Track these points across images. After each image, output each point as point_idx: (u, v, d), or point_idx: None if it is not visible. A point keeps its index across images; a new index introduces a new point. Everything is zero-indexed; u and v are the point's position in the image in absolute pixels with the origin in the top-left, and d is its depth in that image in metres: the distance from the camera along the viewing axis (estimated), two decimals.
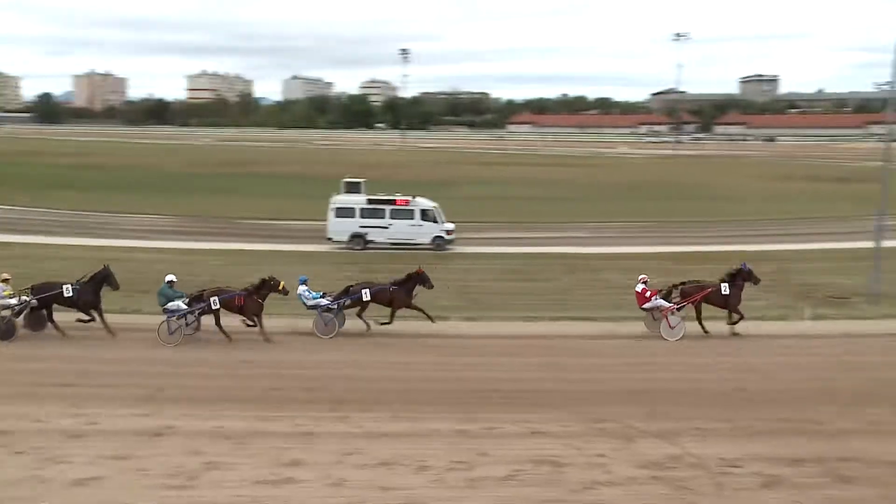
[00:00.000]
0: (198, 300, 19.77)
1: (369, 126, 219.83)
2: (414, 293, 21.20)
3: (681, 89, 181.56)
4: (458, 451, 13.10)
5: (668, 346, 20.11)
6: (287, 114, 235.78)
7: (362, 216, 36.02)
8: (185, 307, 19.64)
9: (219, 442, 13.33)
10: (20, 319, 19.61)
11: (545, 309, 23.57)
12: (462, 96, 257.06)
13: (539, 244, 37.11)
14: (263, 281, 20.20)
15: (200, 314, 19.82)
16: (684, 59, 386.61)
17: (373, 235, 35.99)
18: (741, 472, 12.44)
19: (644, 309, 21.27)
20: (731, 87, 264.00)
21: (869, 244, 28.27)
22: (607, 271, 30.16)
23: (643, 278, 21.44)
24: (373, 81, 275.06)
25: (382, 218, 35.97)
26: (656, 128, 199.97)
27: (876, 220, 27.25)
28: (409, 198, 36.60)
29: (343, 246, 35.71)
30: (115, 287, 20.36)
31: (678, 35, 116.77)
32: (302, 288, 20.73)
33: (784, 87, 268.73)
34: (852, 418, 14.82)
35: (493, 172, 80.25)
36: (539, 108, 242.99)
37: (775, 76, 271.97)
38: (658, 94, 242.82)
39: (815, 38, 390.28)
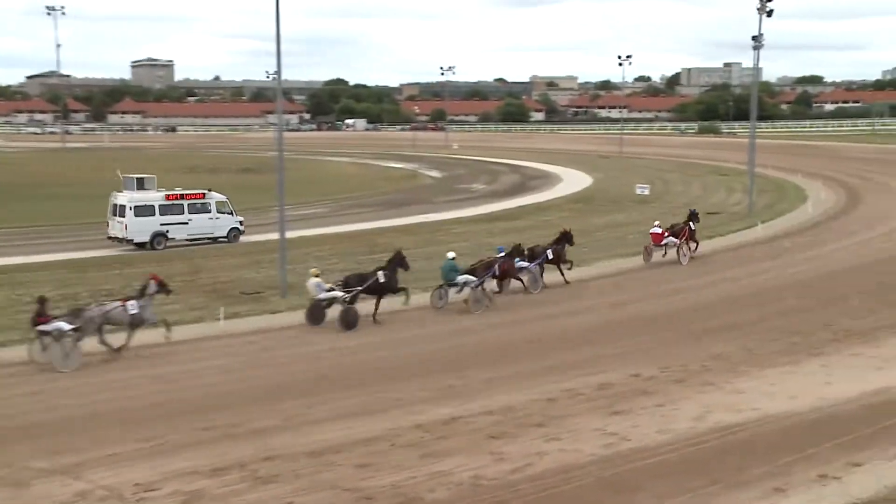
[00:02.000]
0: (473, 272, 25.09)
1: None
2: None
3: (64, 72, 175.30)
4: None
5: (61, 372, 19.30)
6: None
7: (162, 213, 37.12)
8: (474, 279, 24.79)
9: None
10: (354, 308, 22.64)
11: None
12: None
13: None
14: (514, 248, 26.94)
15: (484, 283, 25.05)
16: (64, 38, 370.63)
17: (174, 233, 37.37)
18: (159, 494, 12.59)
19: (659, 245, 31.95)
20: (122, 71, 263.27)
21: (274, 236, 30.69)
22: None
23: (658, 223, 32.69)
24: None
25: (182, 213, 37.54)
26: (38, 116, 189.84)
27: (278, 211, 29.57)
28: (205, 191, 38.71)
29: (132, 248, 36.21)
30: (407, 268, 24.63)
31: (51, 10, 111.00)
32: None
33: (179, 74, 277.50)
34: (271, 415, 16.02)
35: None
36: None
37: (170, 61, 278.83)
38: (36, 77, 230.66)
39: (206, 22, 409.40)
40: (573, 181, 69.48)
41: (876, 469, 13.36)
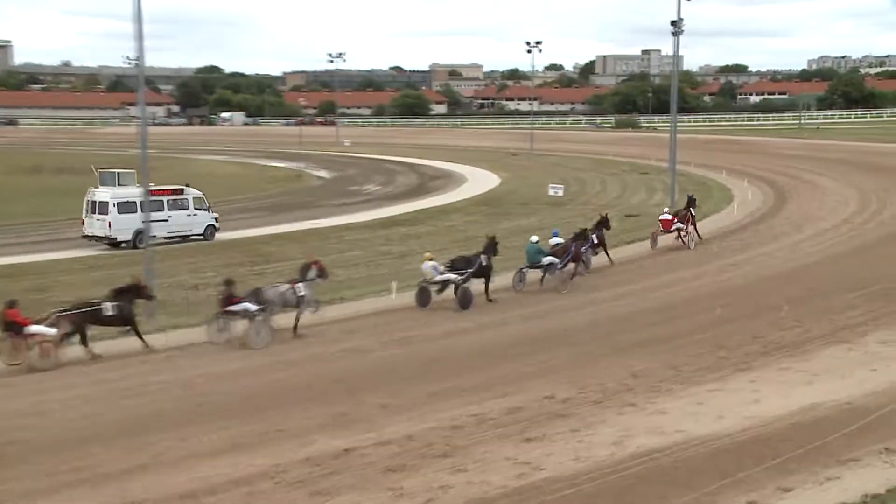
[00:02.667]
0: (558, 254, 30.29)
1: None
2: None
3: None
4: None
5: None
6: None
7: (144, 210, 38.97)
8: (558, 261, 29.95)
9: None
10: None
11: None
12: None
13: None
14: (580, 232, 32.52)
15: (566, 264, 30.53)
16: None
17: (155, 230, 37.84)
18: None
19: (668, 231, 37.73)
20: None
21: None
22: None
23: (667, 209, 40.04)
24: None
25: (162, 210, 40.15)
26: None
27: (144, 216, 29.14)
28: (183, 186, 42.13)
29: (103, 247, 39.23)
30: (497, 254, 28.72)
31: None
32: (556, 240, 31.65)
33: (19, 57, 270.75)
34: (137, 452, 15.75)
35: None
36: None
37: (7, 42, 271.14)
38: None
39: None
40: (479, 181, 70.22)
41: (806, 493, 13.88)
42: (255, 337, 23.01)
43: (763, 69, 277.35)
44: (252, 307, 23.30)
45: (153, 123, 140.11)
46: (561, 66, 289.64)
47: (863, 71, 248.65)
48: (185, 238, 41.24)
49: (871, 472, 14.67)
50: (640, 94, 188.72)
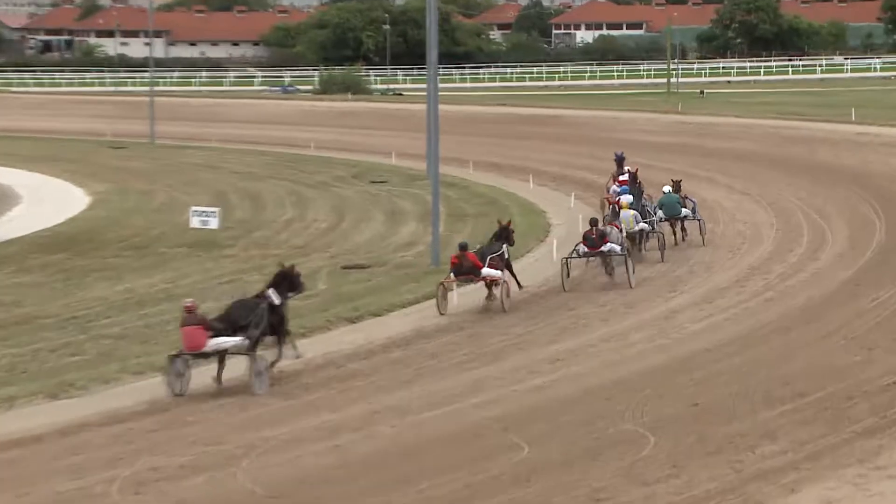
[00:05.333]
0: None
1: None
2: None
3: None
4: None
5: None
6: None
7: None
8: (689, 212, 55.50)
9: None
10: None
11: None
12: None
13: None
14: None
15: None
16: None
17: None
18: None
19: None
20: None
21: None
22: None
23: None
24: None
25: None
26: None
27: None
28: None
29: None
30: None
31: None
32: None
33: None
34: None
35: None
36: None
37: None
38: None
39: None
40: (46, 201, 71.30)
41: None
42: (630, 275, 43.67)
43: None
44: (617, 248, 43.99)
45: None
46: None
47: None
48: None
49: None
50: (368, 26, 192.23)
